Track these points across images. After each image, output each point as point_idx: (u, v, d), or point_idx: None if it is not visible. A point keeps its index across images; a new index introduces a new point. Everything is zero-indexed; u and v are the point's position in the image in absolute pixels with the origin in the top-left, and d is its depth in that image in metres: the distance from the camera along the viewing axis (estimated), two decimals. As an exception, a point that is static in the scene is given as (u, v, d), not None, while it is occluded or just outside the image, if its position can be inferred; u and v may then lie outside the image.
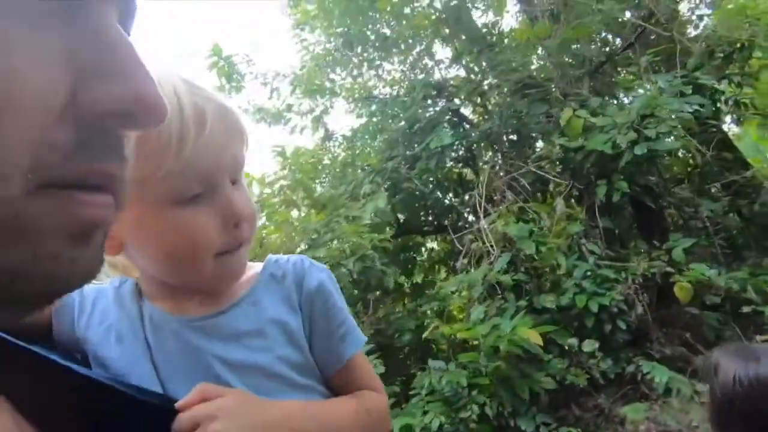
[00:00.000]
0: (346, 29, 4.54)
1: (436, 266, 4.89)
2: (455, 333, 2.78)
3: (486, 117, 4.99)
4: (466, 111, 5.64)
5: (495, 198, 3.90)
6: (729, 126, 6.11)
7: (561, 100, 3.66)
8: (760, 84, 5.73)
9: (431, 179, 4.17)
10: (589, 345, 2.89)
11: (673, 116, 3.17)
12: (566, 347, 3.11)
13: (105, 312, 0.70)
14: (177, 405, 0.56)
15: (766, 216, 4.59)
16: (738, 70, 5.39)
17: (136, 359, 0.66)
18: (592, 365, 3.01)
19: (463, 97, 5.21)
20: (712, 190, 5.03)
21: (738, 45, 5.26)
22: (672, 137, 3.14)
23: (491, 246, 3.50)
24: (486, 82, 5.15)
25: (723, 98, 5.73)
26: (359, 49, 4.63)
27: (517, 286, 3.62)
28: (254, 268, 0.74)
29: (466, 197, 4.22)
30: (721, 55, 5.21)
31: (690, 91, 3.33)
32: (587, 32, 3.74)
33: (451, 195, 4.44)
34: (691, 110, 3.11)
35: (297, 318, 0.70)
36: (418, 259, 5.38)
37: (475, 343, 3.05)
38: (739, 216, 4.68)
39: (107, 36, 0.28)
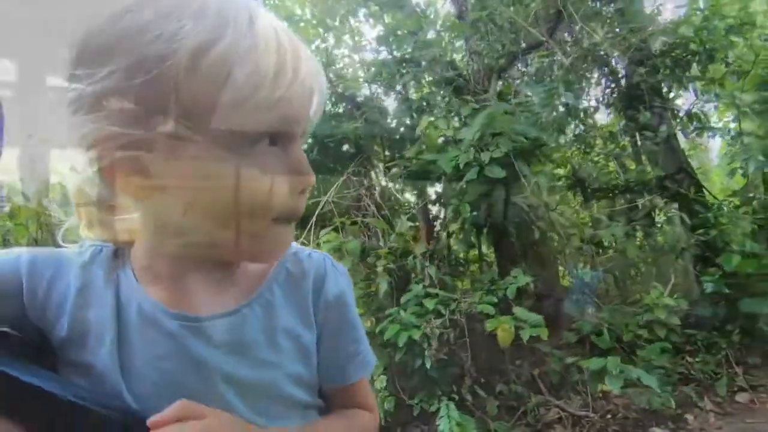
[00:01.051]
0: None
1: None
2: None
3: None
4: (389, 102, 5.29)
5: (359, 206, 3.63)
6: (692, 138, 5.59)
7: (424, 107, 3.31)
8: (725, 91, 5.20)
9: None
10: (380, 381, 2.69)
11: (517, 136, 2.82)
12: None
13: (63, 296, 0.56)
14: (149, 421, 0.49)
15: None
16: (700, 74, 4.92)
17: (103, 362, 0.55)
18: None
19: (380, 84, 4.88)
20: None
21: (694, 51, 4.78)
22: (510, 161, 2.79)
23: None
24: (405, 70, 4.79)
25: (675, 108, 5.24)
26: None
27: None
28: None
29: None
30: (679, 58, 4.73)
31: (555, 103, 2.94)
32: (461, 31, 3.34)
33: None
34: (530, 135, 2.74)
35: (311, 332, 0.63)
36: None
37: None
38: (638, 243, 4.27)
39: None
